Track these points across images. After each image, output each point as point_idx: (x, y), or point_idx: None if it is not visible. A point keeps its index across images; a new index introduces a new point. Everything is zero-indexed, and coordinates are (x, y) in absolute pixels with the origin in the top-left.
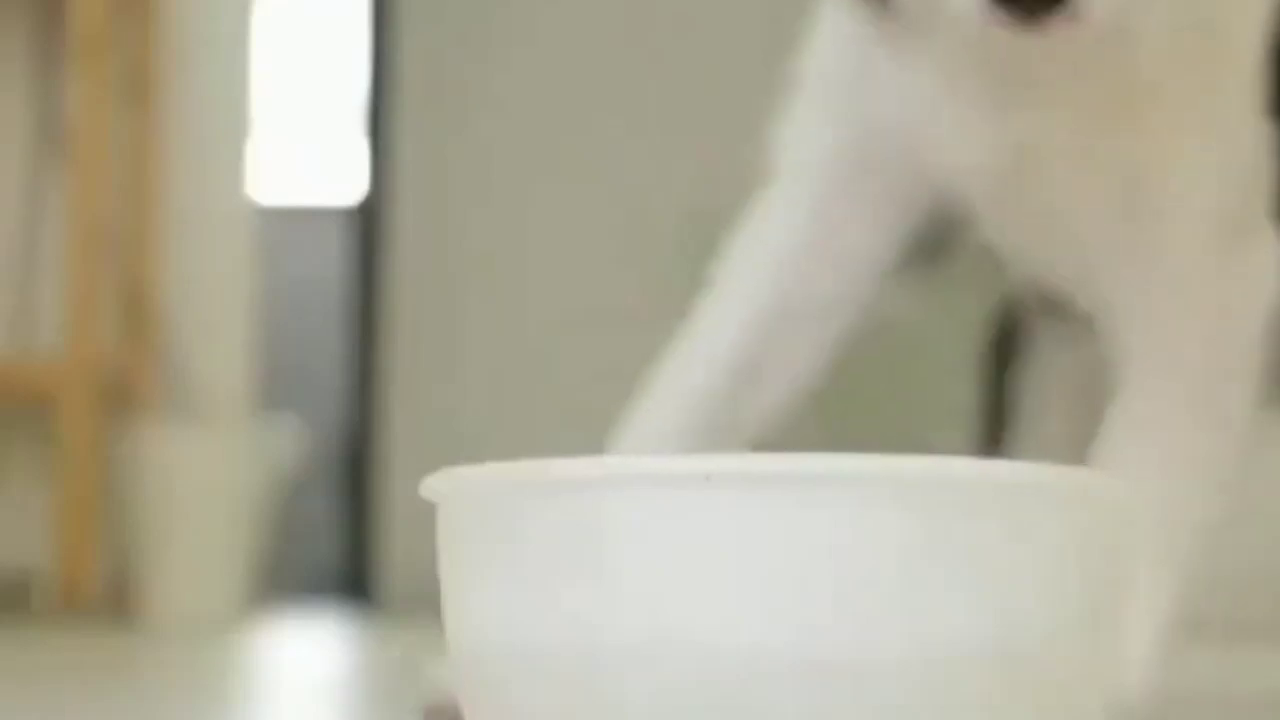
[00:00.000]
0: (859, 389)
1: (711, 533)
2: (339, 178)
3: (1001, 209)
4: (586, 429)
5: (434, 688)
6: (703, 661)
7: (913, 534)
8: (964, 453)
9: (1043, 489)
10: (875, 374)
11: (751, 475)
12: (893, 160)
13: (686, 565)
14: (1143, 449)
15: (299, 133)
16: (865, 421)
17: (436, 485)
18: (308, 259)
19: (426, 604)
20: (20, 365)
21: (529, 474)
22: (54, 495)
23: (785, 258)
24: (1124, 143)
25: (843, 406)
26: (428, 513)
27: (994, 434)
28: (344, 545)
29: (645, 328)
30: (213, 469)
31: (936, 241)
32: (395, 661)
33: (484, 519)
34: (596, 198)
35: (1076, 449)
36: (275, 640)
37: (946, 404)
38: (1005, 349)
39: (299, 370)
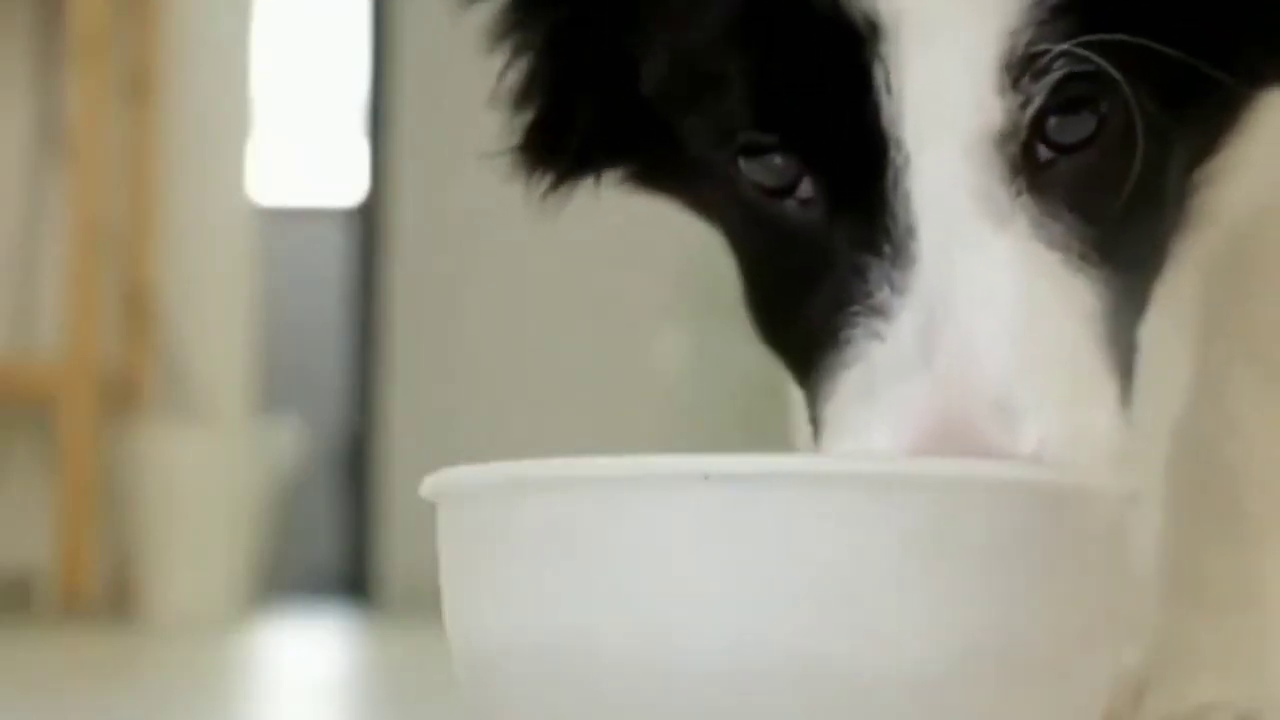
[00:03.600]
0: None
1: (710, 532)
2: (339, 178)
3: None
4: (587, 428)
5: None
6: (702, 660)
7: (912, 534)
8: None
9: (1042, 490)
10: None
11: (750, 475)
12: None
13: (685, 564)
14: None
15: (299, 133)
16: None
17: (436, 485)
18: (308, 259)
19: (426, 603)
20: (20, 365)
21: (529, 474)
22: (54, 495)
23: None
24: None
25: None
26: (427, 513)
27: None
28: (344, 545)
29: (646, 328)
30: (213, 469)
31: None
32: (395, 661)
33: (483, 519)
34: (597, 198)
35: None
36: (275, 639)
37: None
38: None
39: (299, 370)
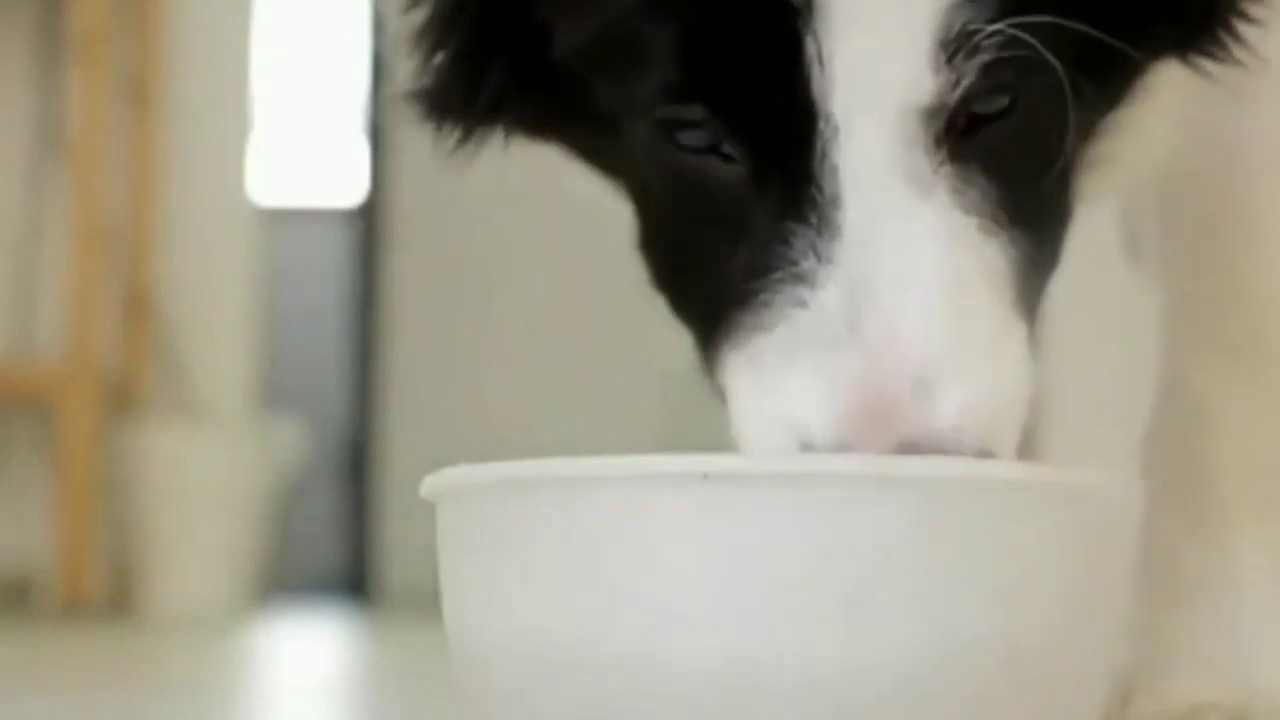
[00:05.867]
0: None
1: (710, 531)
2: (339, 178)
3: None
4: (587, 428)
5: None
6: (701, 658)
7: (912, 533)
8: None
9: (1041, 488)
10: None
11: (750, 474)
12: None
13: (685, 563)
14: None
15: (299, 133)
16: None
17: (436, 485)
18: (308, 259)
19: (426, 603)
20: (20, 365)
21: (529, 474)
22: (54, 495)
23: None
24: None
25: None
26: (427, 511)
27: None
28: (344, 544)
29: (648, 327)
30: (213, 468)
31: None
32: (395, 660)
33: (483, 518)
34: (597, 198)
35: None
36: (275, 638)
37: None
38: None
39: (299, 370)
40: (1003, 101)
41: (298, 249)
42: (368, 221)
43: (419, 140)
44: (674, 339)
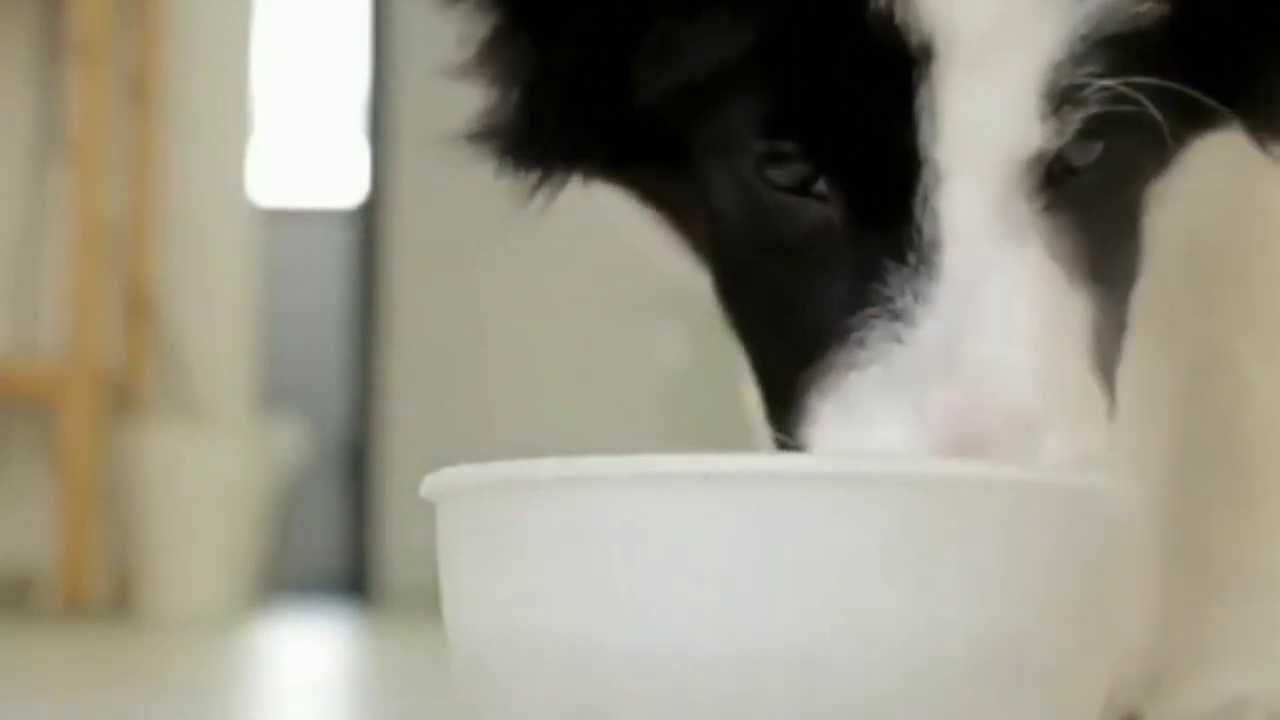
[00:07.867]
0: None
1: (709, 532)
2: (339, 178)
3: None
4: (587, 428)
5: None
6: (699, 660)
7: (913, 534)
8: None
9: (1043, 490)
10: None
11: (750, 475)
12: None
13: (685, 564)
14: None
15: (299, 133)
16: None
17: (436, 484)
18: (308, 259)
19: (426, 603)
20: (21, 365)
21: (528, 473)
22: (54, 495)
23: None
24: None
25: None
26: (427, 511)
27: None
28: (344, 544)
29: (646, 327)
30: (213, 468)
31: None
32: (395, 660)
33: (483, 518)
34: (597, 198)
35: None
36: (275, 638)
37: None
38: None
39: (299, 370)
40: (1093, 154)
41: (298, 249)
42: (368, 221)
43: (419, 140)
44: (674, 339)
